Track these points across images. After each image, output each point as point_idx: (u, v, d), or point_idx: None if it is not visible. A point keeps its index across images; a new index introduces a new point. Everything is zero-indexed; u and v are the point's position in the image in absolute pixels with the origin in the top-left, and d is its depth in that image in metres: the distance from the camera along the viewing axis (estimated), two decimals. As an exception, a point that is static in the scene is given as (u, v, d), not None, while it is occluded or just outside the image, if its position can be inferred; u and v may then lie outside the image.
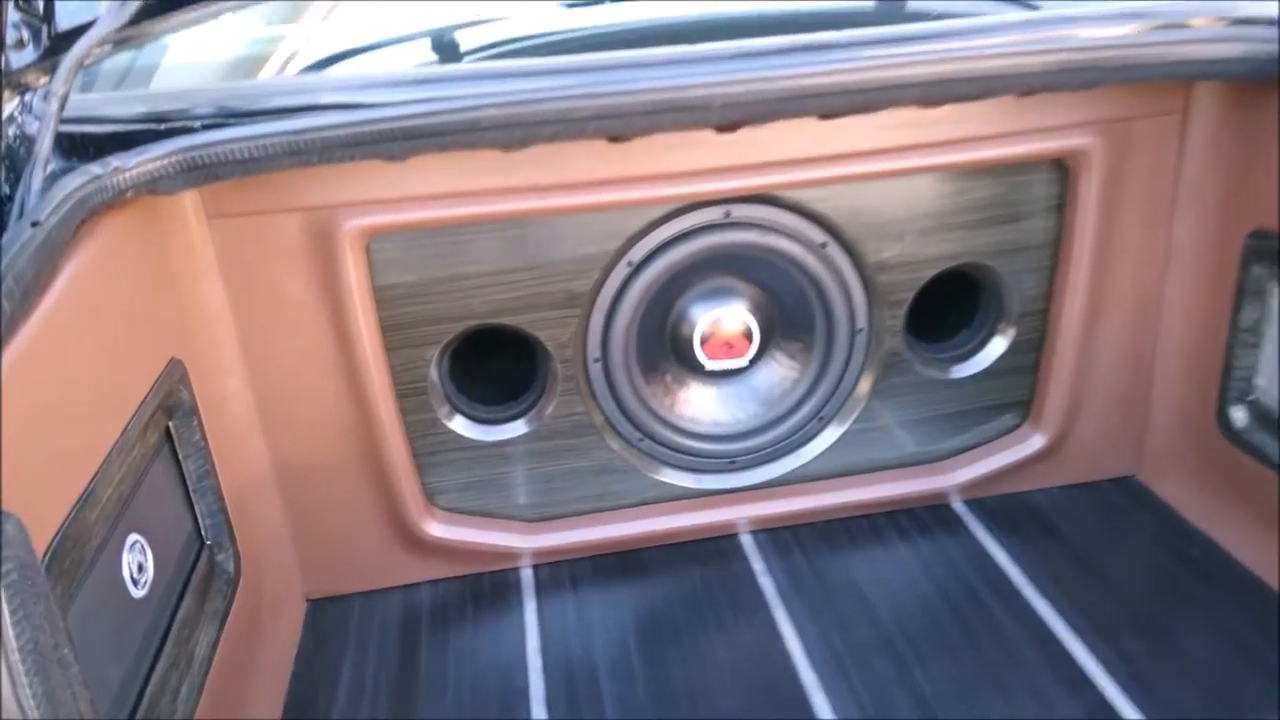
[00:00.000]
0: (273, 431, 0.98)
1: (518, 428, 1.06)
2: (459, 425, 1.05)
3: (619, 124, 0.80)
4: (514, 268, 0.97)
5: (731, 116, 0.81)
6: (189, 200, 0.88)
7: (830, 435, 1.12)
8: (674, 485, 1.11)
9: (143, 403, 0.77)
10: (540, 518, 1.10)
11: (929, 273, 1.05)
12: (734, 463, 1.12)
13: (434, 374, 1.02)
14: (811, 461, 1.12)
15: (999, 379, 1.11)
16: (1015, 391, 1.12)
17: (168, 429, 0.85)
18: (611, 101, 0.78)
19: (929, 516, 1.13)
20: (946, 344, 1.13)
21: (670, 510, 1.11)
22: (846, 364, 1.08)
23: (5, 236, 0.61)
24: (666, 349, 1.09)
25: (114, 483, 0.72)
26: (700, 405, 1.11)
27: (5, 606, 0.49)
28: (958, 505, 1.14)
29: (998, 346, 1.10)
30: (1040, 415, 1.11)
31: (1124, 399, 1.12)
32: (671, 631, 0.99)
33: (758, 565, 1.07)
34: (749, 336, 1.07)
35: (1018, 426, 1.14)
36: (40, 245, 0.62)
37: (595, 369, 1.05)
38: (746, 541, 1.11)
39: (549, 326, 1.01)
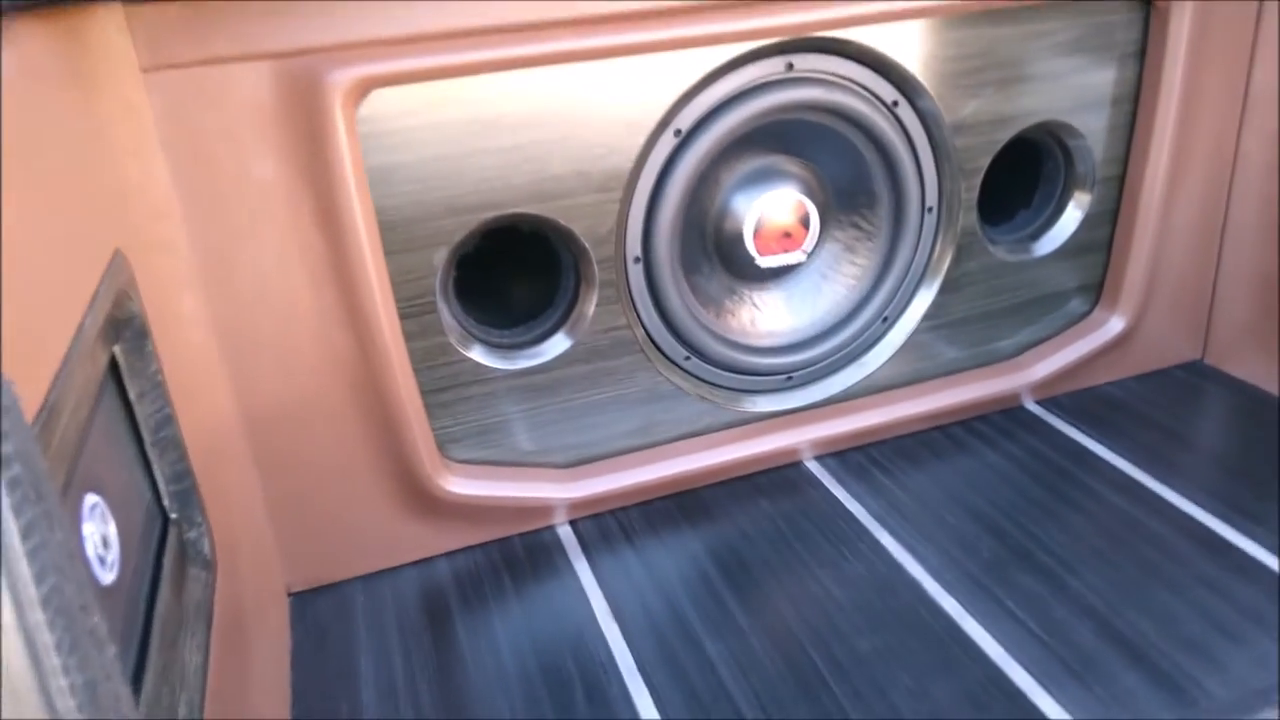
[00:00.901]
0: (240, 367, 0.74)
1: (554, 346, 0.85)
2: (477, 353, 0.83)
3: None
4: (544, 139, 0.78)
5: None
6: (115, 38, 0.64)
7: (895, 338, 0.97)
8: (726, 410, 0.93)
9: (94, 297, 0.53)
10: (576, 461, 0.90)
11: (1006, 135, 0.91)
12: (790, 379, 0.96)
13: (441, 286, 0.80)
14: (876, 371, 0.97)
15: (1072, 259, 0.99)
16: (1087, 272, 1.01)
17: (113, 357, 0.61)
18: None
19: (1005, 420, 1.00)
20: (1006, 225, 1.01)
21: (724, 441, 0.93)
22: (915, 251, 0.93)
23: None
24: (709, 245, 0.91)
25: (70, 405, 0.48)
26: (749, 313, 0.94)
27: (13, 521, 0.27)
28: (1032, 406, 1.02)
29: (1073, 218, 0.98)
30: (1116, 296, 1.00)
31: (1195, 272, 1.03)
32: (767, 574, 0.82)
33: (838, 491, 0.91)
34: (807, 223, 0.91)
35: (1089, 312, 1.02)
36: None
37: (635, 271, 0.86)
38: (814, 468, 0.95)
39: (585, 216, 0.81)
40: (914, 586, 0.79)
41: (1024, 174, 1.00)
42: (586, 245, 0.82)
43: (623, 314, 0.86)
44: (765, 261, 0.91)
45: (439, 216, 0.77)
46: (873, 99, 0.87)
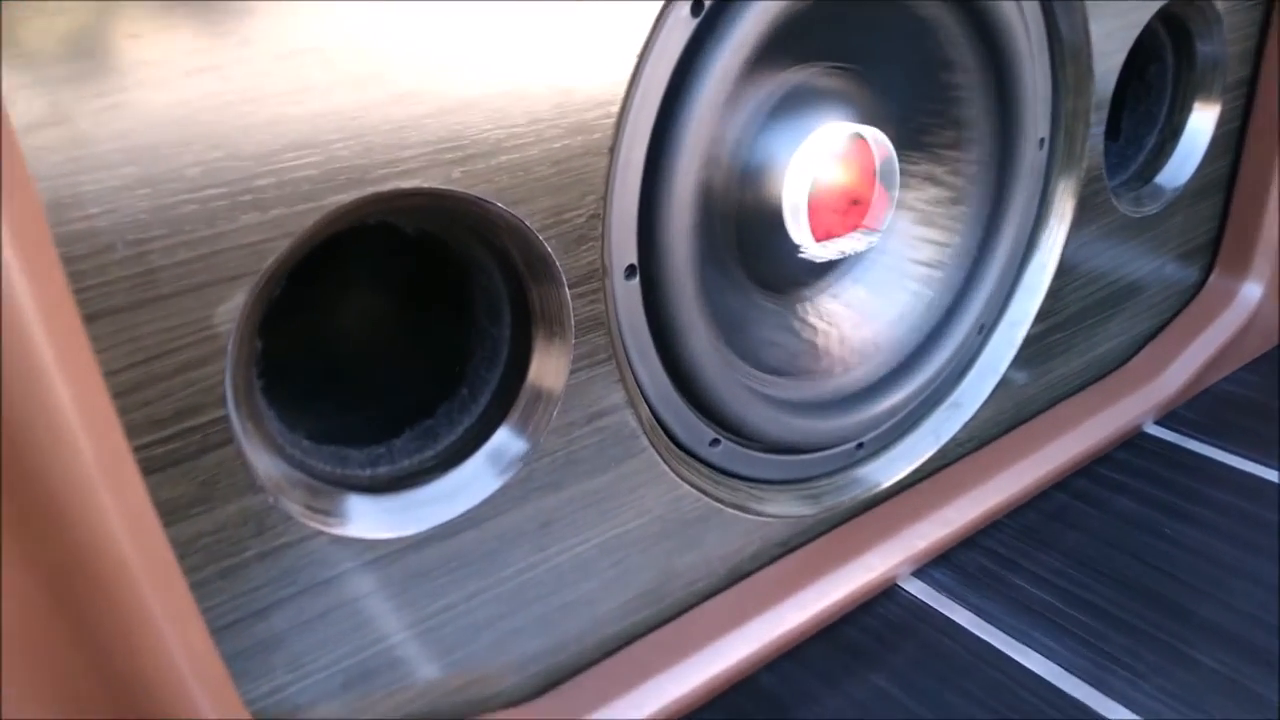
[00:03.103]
0: None
1: (487, 465, 0.41)
2: (335, 518, 0.38)
3: None
4: (454, 34, 0.34)
5: None
6: None
7: (996, 358, 0.61)
8: (778, 520, 0.53)
9: None
10: (544, 683, 0.46)
11: (1140, 21, 0.58)
12: (862, 447, 0.57)
13: (233, 376, 0.34)
14: (976, 414, 0.61)
15: (1185, 209, 0.68)
16: (1200, 225, 0.70)
17: None
18: None
19: (1132, 456, 0.67)
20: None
21: (786, 585, 0.52)
22: (1022, 212, 0.58)
23: None
24: (722, 235, 0.50)
25: None
26: (792, 346, 0.55)
27: None
28: (1152, 428, 0.70)
29: (1198, 142, 0.66)
30: (1247, 256, 0.70)
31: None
32: None
33: (986, 632, 0.53)
34: (885, 178, 0.52)
35: (1202, 283, 0.72)
36: None
37: (628, 294, 0.44)
38: (918, 590, 0.57)
39: (544, 190, 0.38)
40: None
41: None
42: (549, 250, 0.39)
43: (619, 382, 0.43)
44: (818, 251, 0.52)
45: (222, 217, 0.31)
46: (981, -46, 0.50)
